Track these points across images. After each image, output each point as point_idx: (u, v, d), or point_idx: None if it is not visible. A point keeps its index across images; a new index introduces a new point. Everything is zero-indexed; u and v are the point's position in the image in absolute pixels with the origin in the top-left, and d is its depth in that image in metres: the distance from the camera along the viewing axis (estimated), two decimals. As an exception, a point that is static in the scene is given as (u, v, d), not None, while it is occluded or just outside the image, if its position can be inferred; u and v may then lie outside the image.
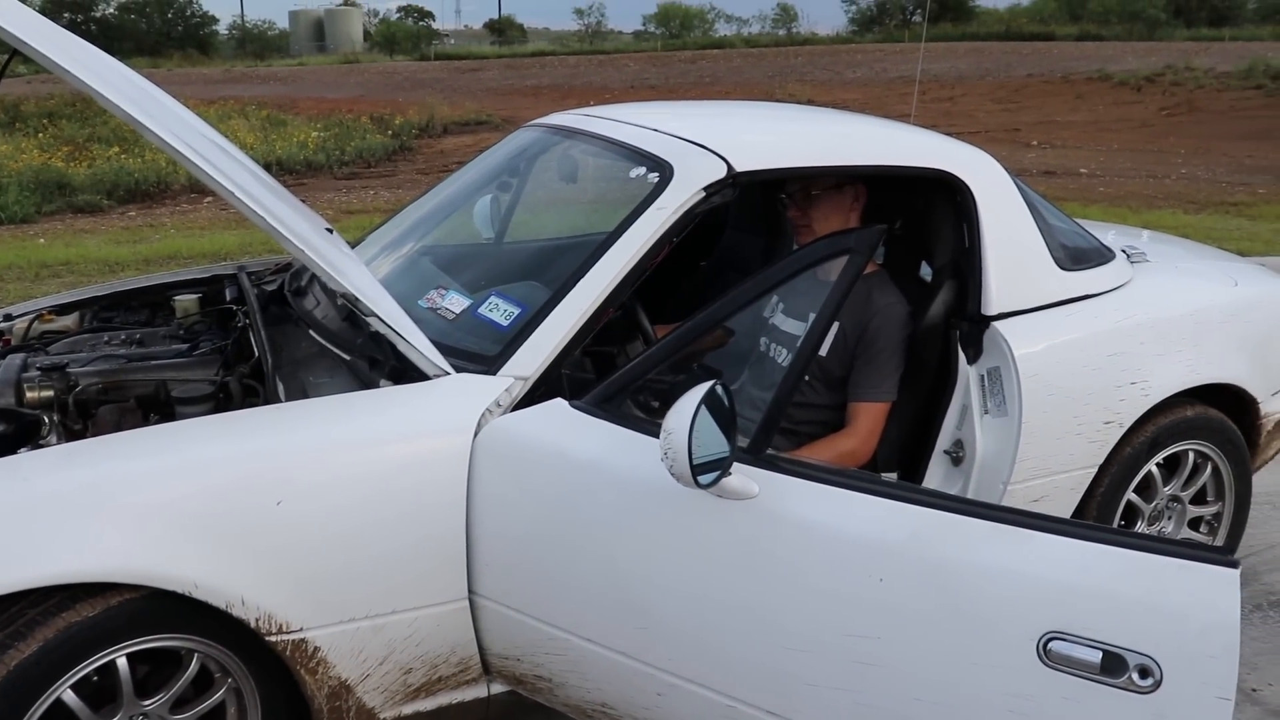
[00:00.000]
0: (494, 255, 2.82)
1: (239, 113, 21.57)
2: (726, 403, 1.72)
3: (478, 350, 2.24)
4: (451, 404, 2.12)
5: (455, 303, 2.43)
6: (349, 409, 2.11)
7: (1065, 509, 2.69)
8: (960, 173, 2.54)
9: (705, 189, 2.31)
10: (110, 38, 46.22)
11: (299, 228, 2.22)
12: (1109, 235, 3.35)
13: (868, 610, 1.69)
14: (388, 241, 2.97)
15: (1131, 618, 1.50)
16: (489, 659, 2.21)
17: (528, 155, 3.02)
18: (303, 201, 3.14)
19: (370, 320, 2.20)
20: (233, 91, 28.27)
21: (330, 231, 2.57)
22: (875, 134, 2.71)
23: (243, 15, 58.01)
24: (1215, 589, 1.46)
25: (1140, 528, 2.90)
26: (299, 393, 2.27)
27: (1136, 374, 2.67)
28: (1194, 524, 3.02)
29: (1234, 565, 1.48)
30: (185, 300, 2.90)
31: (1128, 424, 2.68)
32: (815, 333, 1.89)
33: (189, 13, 51.53)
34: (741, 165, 2.34)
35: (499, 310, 2.33)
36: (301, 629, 1.98)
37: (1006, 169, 2.72)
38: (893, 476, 2.64)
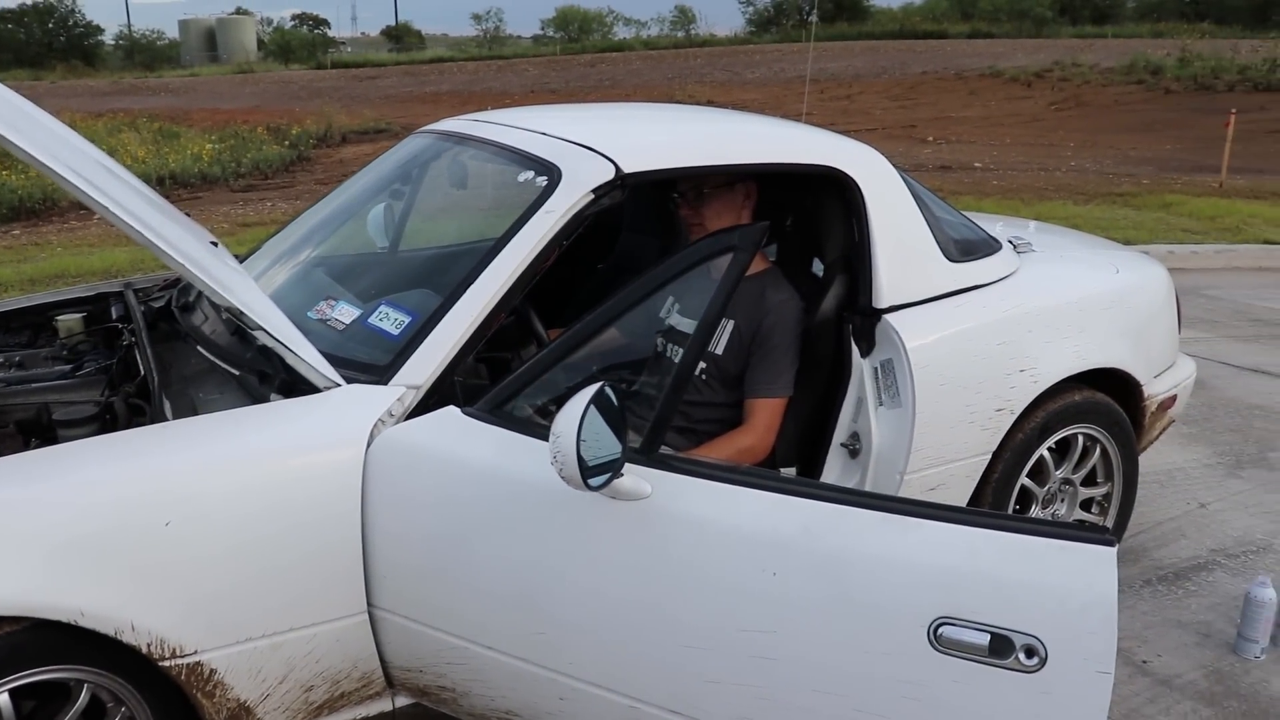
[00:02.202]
0: (386, 264, 2.77)
1: (129, 125, 20.95)
2: (616, 404, 1.71)
3: (369, 360, 2.20)
4: (342, 416, 2.08)
5: (345, 313, 2.38)
6: (237, 425, 2.06)
7: (961, 496, 2.74)
8: (848, 169, 2.57)
9: (594, 191, 2.30)
10: (-11, 49, 44.58)
11: (181, 242, 2.15)
12: (997, 227, 3.43)
13: (763, 604, 1.69)
14: (279, 253, 2.89)
15: (1016, 599, 1.52)
16: (392, 672, 2.17)
17: (419, 162, 2.98)
18: (189, 215, 3.06)
19: (257, 334, 2.15)
20: (122, 104, 27.49)
21: (216, 245, 2.50)
22: (764, 132, 2.72)
23: (129, 25, 56.29)
24: (1093, 567, 1.49)
25: (1035, 511, 2.97)
26: (188, 410, 2.21)
27: (1026, 361, 2.73)
28: (1085, 505, 3.10)
29: (1110, 543, 1.51)
30: (68, 320, 2.79)
31: (1019, 410, 2.74)
32: (702, 331, 1.89)
33: (71, 22, 49.80)
34: (629, 166, 2.33)
35: (389, 319, 2.29)
36: (196, 652, 1.93)
37: (894, 164, 2.76)
38: (791, 471, 2.66)
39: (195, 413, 2.17)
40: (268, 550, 1.95)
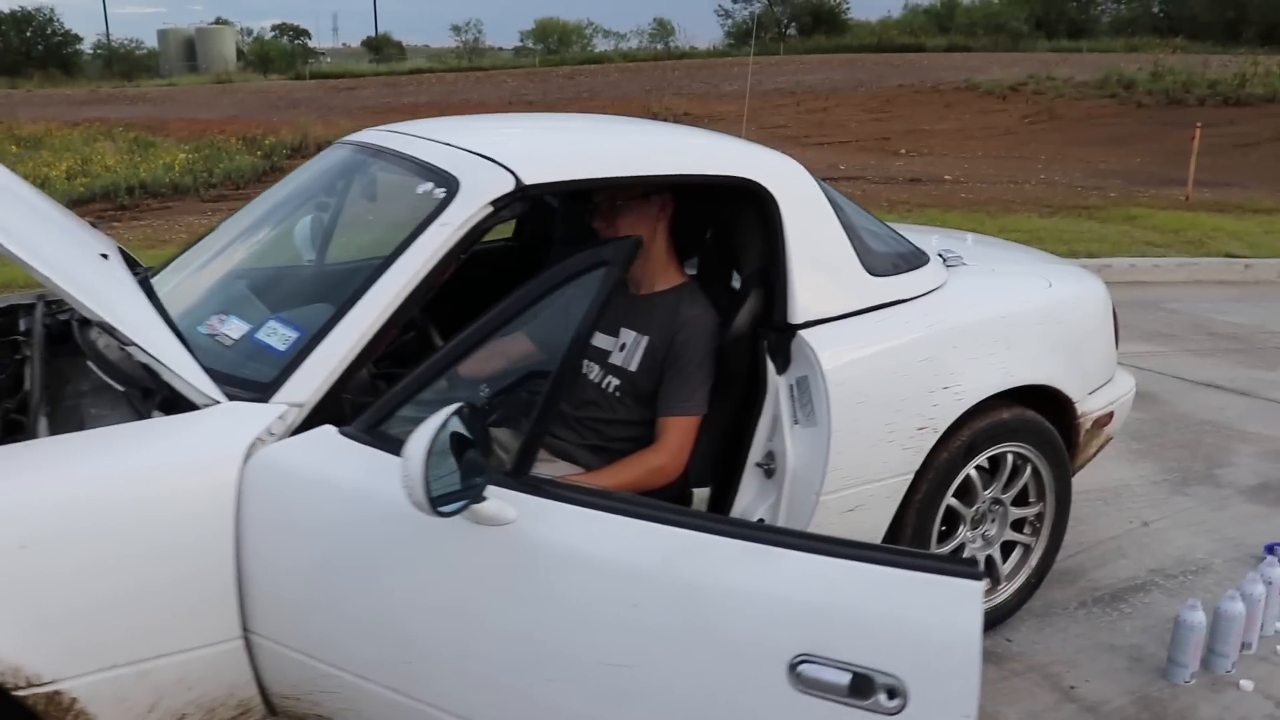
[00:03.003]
0: (294, 277, 2.67)
1: (105, 135, 20.76)
2: (477, 425, 1.62)
3: (253, 377, 2.11)
4: (217, 434, 1.99)
5: (234, 328, 2.28)
6: (108, 443, 1.97)
7: (882, 518, 2.66)
8: (763, 180, 2.50)
9: (492, 203, 2.21)
10: (-36, 59, 44.29)
11: (51, 252, 2.06)
12: (932, 239, 3.36)
13: (623, 636, 1.60)
14: (193, 265, 2.79)
15: (878, 637, 1.44)
16: (272, 699, 2.08)
17: (340, 174, 2.88)
18: (95, 226, 2.97)
19: (130, 350, 2.05)
20: (99, 113, 27.27)
21: (105, 257, 2.40)
22: (676, 143, 2.65)
23: (108, 34, 56.02)
24: (957, 603, 1.41)
25: (963, 532, 2.89)
26: (75, 426, 2.12)
27: (949, 378, 2.66)
28: (1017, 525, 3.03)
29: (976, 578, 1.43)
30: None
31: (942, 429, 2.66)
32: (571, 350, 1.80)
33: (49, 31, 49.53)
34: (530, 178, 2.25)
35: (277, 335, 2.20)
36: (54, 681, 1.83)
37: (812, 174, 2.69)
38: (705, 491, 2.57)
39: (82, 429, 2.07)
40: (132, 573, 1.86)
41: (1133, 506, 3.88)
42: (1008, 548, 3.03)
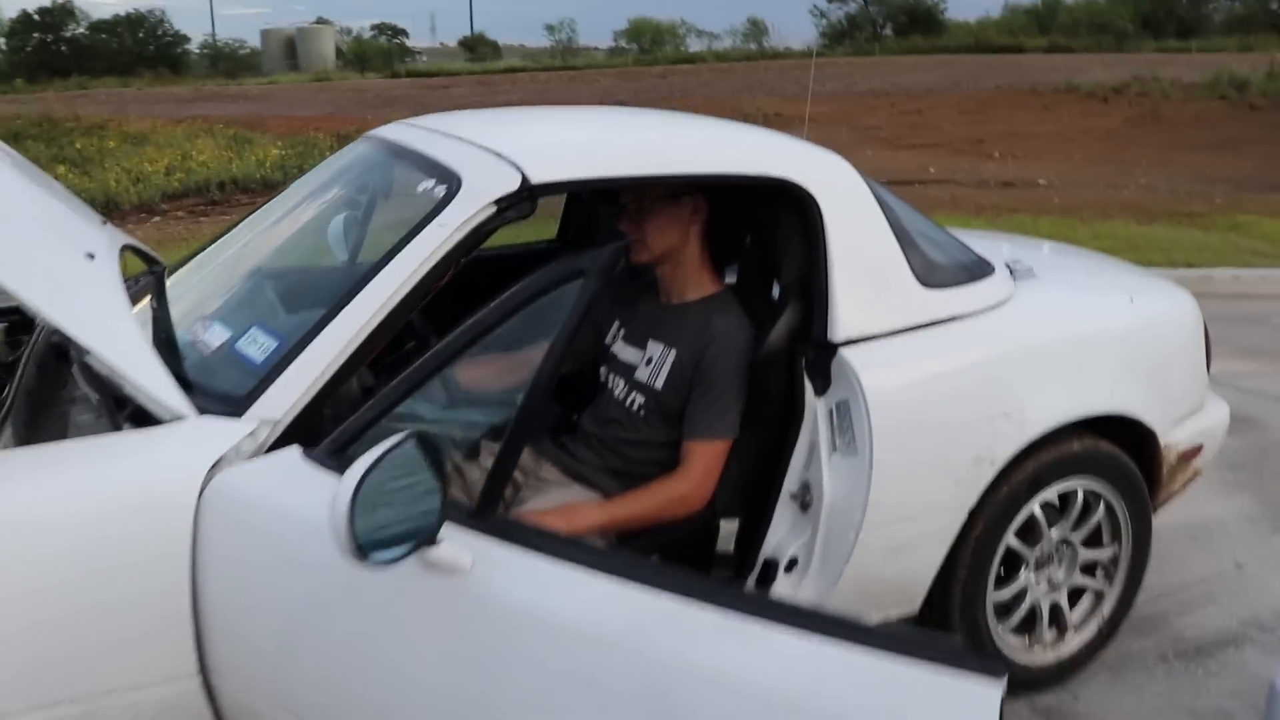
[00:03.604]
0: (287, 281, 2.48)
1: (206, 131, 21.17)
2: (432, 456, 1.41)
3: (228, 390, 1.94)
4: (178, 451, 1.82)
5: (216, 335, 2.12)
6: (58, 459, 1.82)
7: (932, 558, 2.39)
8: (802, 180, 2.25)
9: (496, 202, 2.01)
10: (82, 58, 45.84)
11: (14, 252, 1.92)
12: (1002, 248, 3.06)
13: (579, 711, 1.37)
14: (206, 265, 2.64)
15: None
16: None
17: (356, 170, 2.71)
18: (106, 221, 2.84)
19: (88, 359, 1.90)
20: (202, 110, 27.87)
21: (92, 258, 2.25)
22: (707, 140, 2.41)
23: (214, 34, 57.54)
24: (969, 709, 1.15)
25: (1025, 576, 2.59)
26: (59, 435, 1.99)
27: (1012, 405, 2.37)
28: (1088, 569, 2.72)
29: (999, 676, 1.17)
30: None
31: (1002, 462, 2.38)
32: (544, 369, 1.57)
33: (160, 32, 51.03)
34: (539, 176, 2.04)
35: (256, 344, 2.02)
36: None
37: (863, 175, 2.43)
38: (734, 524, 2.34)
39: (64, 438, 1.95)
40: (72, 600, 1.70)
41: (1225, 545, 3.52)
42: (1077, 593, 2.72)
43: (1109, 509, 2.65)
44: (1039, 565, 2.62)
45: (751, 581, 2.35)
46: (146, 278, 2.68)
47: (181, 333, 2.16)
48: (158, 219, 11.77)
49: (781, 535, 2.34)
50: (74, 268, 2.09)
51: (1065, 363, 2.49)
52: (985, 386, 2.35)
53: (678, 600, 1.33)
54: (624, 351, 2.52)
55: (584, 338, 2.67)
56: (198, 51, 53.61)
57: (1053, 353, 2.49)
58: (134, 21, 50.92)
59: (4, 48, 49.30)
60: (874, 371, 2.23)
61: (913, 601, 2.44)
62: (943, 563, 2.41)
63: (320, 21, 56.65)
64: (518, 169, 2.04)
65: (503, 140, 2.18)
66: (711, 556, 2.35)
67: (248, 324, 2.08)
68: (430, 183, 2.14)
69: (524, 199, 2.03)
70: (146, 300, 2.44)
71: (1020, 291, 2.61)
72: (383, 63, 46.37)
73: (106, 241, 2.46)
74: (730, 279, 2.58)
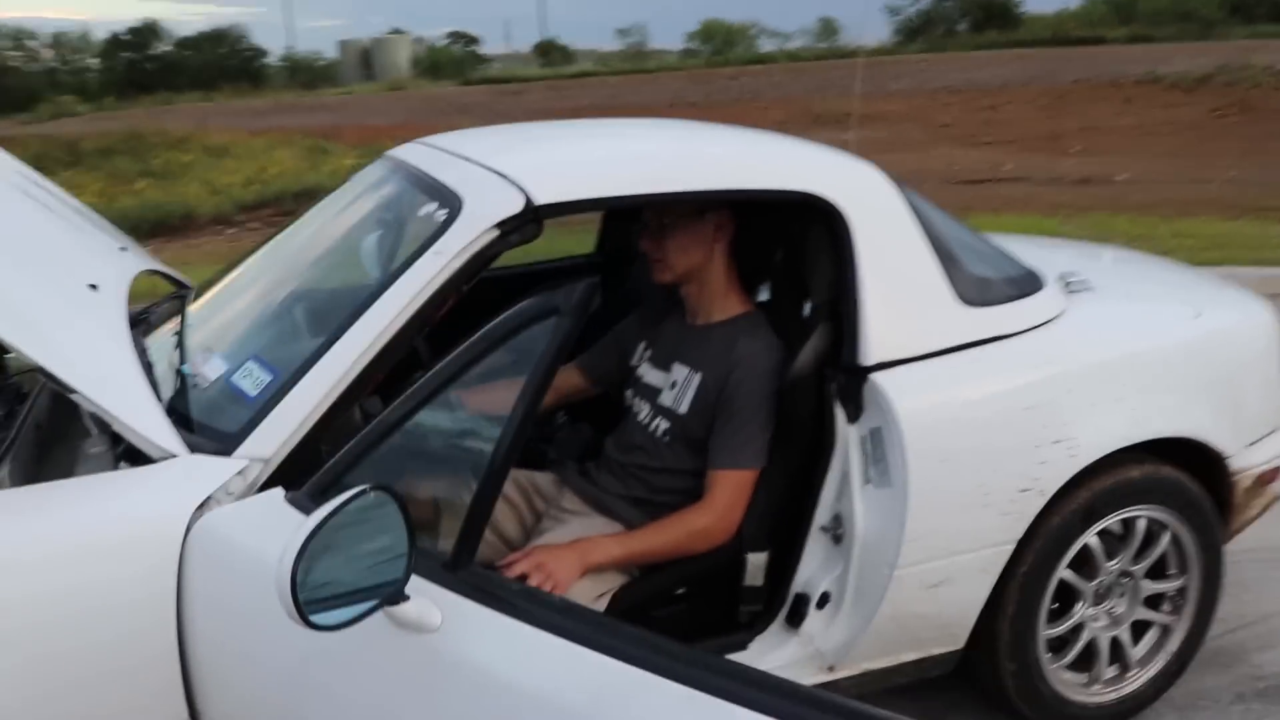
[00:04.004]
0: (289, 309, 2.40)
1: (284, 142, 21.54)
2: (392, 510, 1.31)
3: (220, 426, 1.87)
4: (165, 491, 1.76)
5: (214, 368, 2.04)
6: (44, 500, 1.77)
7: (975, 593, 2.23)
8: (829, 194, 2.11)
9: (499, 225, 1.91)
10: (167, 74, 47.15)
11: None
12: (1060, 257, 2.88)
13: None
14: (223, 291, 2.57)
15: None
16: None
17: (372, 193, 2.63)
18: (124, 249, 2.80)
19: (74, 396, 1.84)
20: (281, 121, 28.37)
21: (95, 288, 2.20)
22: (724, 153, 2.29)
23: (292, 47, 58.86)
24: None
25: (1081, 610, 2.42)
26: (65, 471, 1.94)
27: (1061, 430, 2.20)
28: (1153, 601, 2.52)
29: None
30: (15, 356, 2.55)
31: (1051, 491, 2.21)
32: (518, 414, 1.47)
33: (240, 46, 52.31)
34: (544, 197, 1.93)
35: (251, 378, 1.94)
36: None
37: (900, 185, 2.28)
38: (762, 557, 2.20)
39: (70, 473, 1.90)
40: (62, 639, 1.65)
41: (1312, 571, 3.28)
42: (1141, 627, 2.53)
43: (1175, 538, 2.46)
44: (1098, 598, 2.44)
45: (782, 617, 2.22)
46: (170, 303, 2.63)
47: (186, 365, 2.10)
48: (233, 230, 11.97)
49: (813, 569, 2.21)
50: (66, 301, 2.04)
51: (1121, 383, 2.31)
52: (1031, 411, 2.18)
53: (642, 669, 1.21)
54: (649, 374, 2.41)
55: (610, 359, 2.57)
56: (277, 64, 54.79)
57: (1107, 372, 2.31)
58: (215, 38, 52.27)
59: (97, 67, 50.93)
60: (908, 397, 2.09)
61: (956, 638, 2.28)
62: (989, 597, 2.25)
63: (395, 32, 57.45)
64: (521, 190, 1.94)
65: (510, 160, 2.08)
66: (739, 590, 2.21)
67: (245, 357, 2.00)
68: (432, 206, 2.05)
69: (528, 221, 1.93)
70: (167, 327, 2.40)
71: (1073, 307, 2.43)
72: (455, 70, 46.91)
73: (117, 271, 2.41)
74: (764, 297, 2.45)
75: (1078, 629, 2.43)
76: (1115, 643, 2.48)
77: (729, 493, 2.17)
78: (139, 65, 48.83)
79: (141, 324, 2.49)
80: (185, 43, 51.92)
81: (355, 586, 1.31)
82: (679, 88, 34.76)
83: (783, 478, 2.20)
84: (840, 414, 2.15)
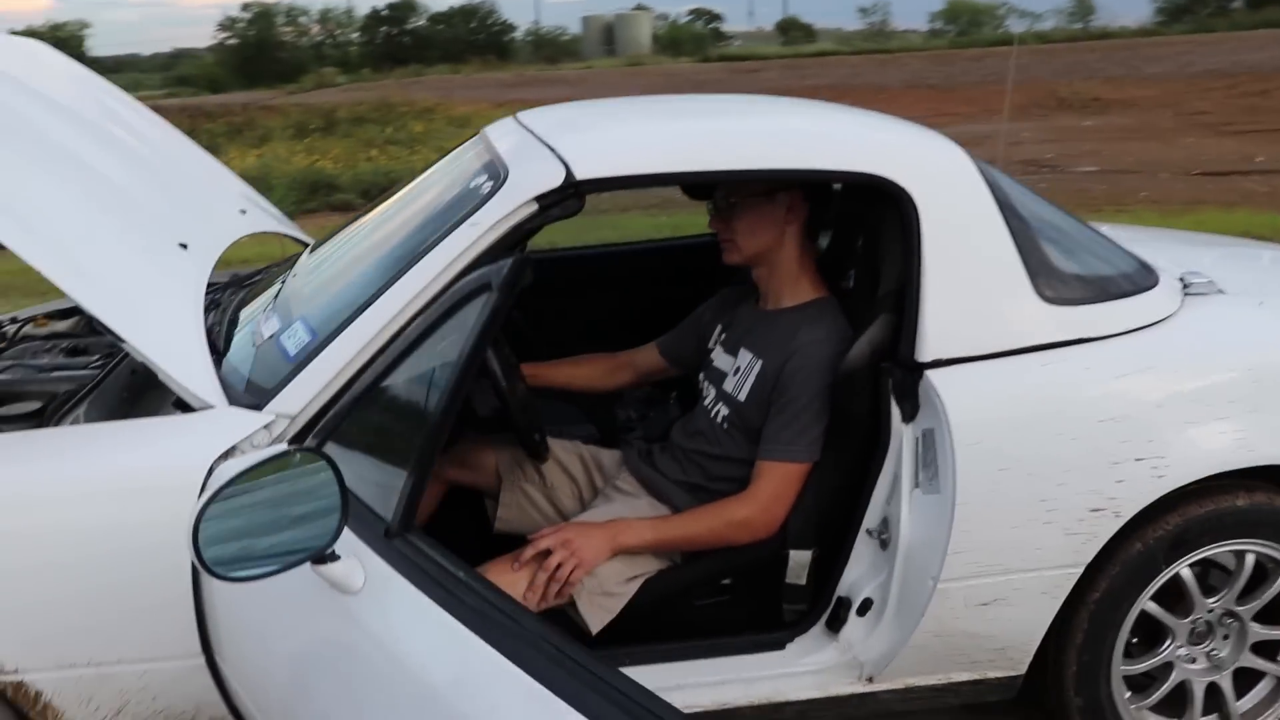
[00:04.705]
0: (350, 275, 2.47)
1: (523, 114, 22.32)
2: (323, 471, 1.33)
3: (260, 382, 1.95)
4: (197, 439, 1.86)
5: (270, 326, 2.13)
6: (90, 441, 1.91)
7: (1036, 617, 2.06)
8: (898, 176, 1.98)
9: (538, 199, 1.91)
10: (421, 47, 49.71)
11: (74, 240, 2.00)
12: (1209, 254, 2.61)
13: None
14: (324, 253, 2.66)
15: None
16: (246, 720, 1.92)
17: (458, 167, 2.66)
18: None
19: (124, 346, 1.96)
20: (522, 95, 29.37)
21: (185, 247, 2.33)
22: (788, 130, 2.18)
23: (538, 22, 60.78)
24: None
25: (1170, 648, 2.18)
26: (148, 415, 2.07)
27: (1146, 447, 1.99)
28: (1266, 649, 2.24)
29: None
30: None
31: (1130, 513, 2.00)
32: (448, 388, 1.44)
33: (490, 21, 54.49)
34: (585, 171, 1.91)
35: (294, 337, 2.01)
36: (17, 671, 1.80)
37: (986, 167, 2.12)
38: (806, 555, 2.10)
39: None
40: (87, 575, 1.79)
41: None
42: (1251, 676, 2.26)
43: (1293, 579, 2.18)
44: (1194, 638, 2.20)
45: (823, 620, 2.12)
46: (281, 265, 2.76)
47: (250, 325, 2.20)
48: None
49: (859, 574, 2.10)
50: (146, 256, 2.16)
51: (1231, 399, 2.06)
52: (1110, 423, 1.97)
53: (503, 657, 1.16)
54: (720, 359, 2.34)
55: (688, 341, 2.51)
56: (522, 39, 56.72)
57: (1214, 386, 2.07)
58: (467, 13, 54.66)
59: (358, 41, 54.24)
60: (962, 398, 1.94)
61: (1015, 664, 2.11)
62: (1054, 623, 2.07)
63: (640, 8, 58.32)
64: (564, 164, 1.92)
65: (569, 135, 2.07)
66: (782, 588, 2.13)
67: (296, 317, 2.08)
68: (483, 178, 2.06)
69: (569, 196, 1.92)
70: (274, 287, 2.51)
71: (1187, 309, 2.19)
72: (695, 47, 47.17)
73: (221, 231, 2.54)
74: (849, 284, 2.34)
75: (1167, 668, 2.20)
76: (1214, 689, 2.23)
77: (775, 485, 2.09)
78: (395, 39, 51.67)
79: (253, 284, 2.63)
80: (438, 17, 54.56)
81: (288, 544, 1.34)
82: (919, 68, 33.71)
83: (834, 474, 2.09)
84: (896, 412, 2.02)
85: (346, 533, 1.46)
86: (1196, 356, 2.10)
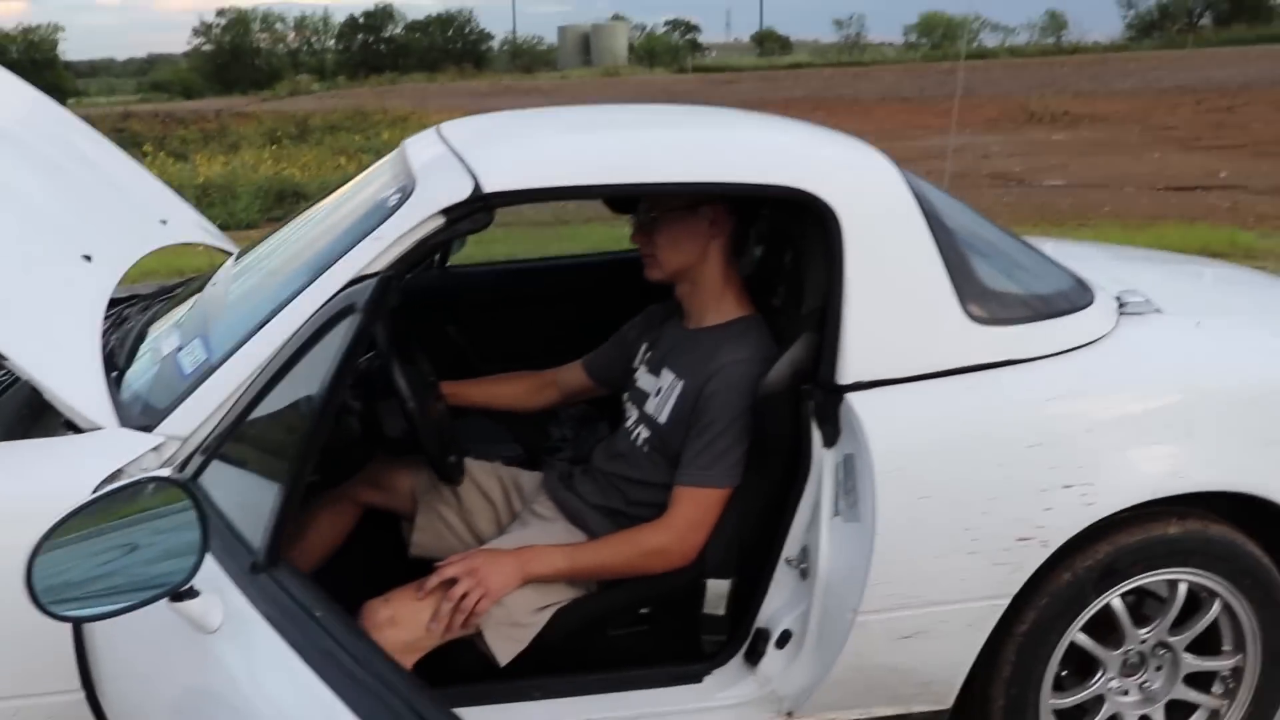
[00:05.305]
0: (257, 290, 2.36)
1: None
2: (186, 499, 1.24)
3: (154, 402, 1.86)
4: (82, 461, 1.76)
5: (169, 343, 2.04)
6: None
7: (960, 651, 1.98)
8: (819, 190, 1.91)
9: (445, 212, 1.83)
10: (397, 55, 49.56)
11: None
12: (1149, 272, 2.55)
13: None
14: (237, 268, 2.55)
15: None
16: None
17: (377, 179, 2.57)
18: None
19: (6, 363, 1.86)
20: (497, 103, 29.23)
21: (89, 259, 2.23)
22: (708, 141, 2.10)
23: (514, 31, 60.76)
24: None
25: (1101, 681, 2.12)
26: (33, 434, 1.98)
27: (1075, 474, 1.92)
28: (1198, 680, 2.18)
29: None
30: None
31: (1057, 543, 1.93)
32: (316, 412, 1.35)
33: (467, 30, 54.37)
34: (493, 184, 1.83)
35: (192, 355, 1.92)
36: None
37: (917, 180, 2.05)
38: (725, 585, 2.02)
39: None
40: None
41: None
42: (1182, 709, 2.20)
43: (1227, 609, 2.12)
44: (1127, 669, 2.13)
45: (742, 653, 2.04)
46: (201, 278, 2.66)
47: (148, 340, 2.11)
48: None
49: (778, 605, 2.02)
50: (43, 270, 2.06)
51: (1165, 423, 2.00)
52: (1038, 449, 1.91)
53: (331, 693, 1.08)
54: (643, 379, 2.26)
55: (614, 359, 2.43)
56: (499, 48, 56.66)
57: (1146, 410, 2.00)
58: (444, 21, 54.57)
59: (334, 48, 54.04)
60: (883, 422, 1.86)
61: (940, 698, 2.04)
62: (980, 656, 2.00)
63: (616, 18, 58.36)
64: (472, 176, 1.84)
65: (482, 147, 1.99)
66: (699, 618, 2.04)
67: (196, 334, 1.98)
68: (392, 190, 1.97)
69: (477, 209, 1.84)
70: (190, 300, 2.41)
71: (1122, 329, 2.12)
72: (671, 58, 47.23)
73: (131, 242, 2.44)
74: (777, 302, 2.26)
75: (1099, 701, 2.13)
76: (1147, 721, 2.17)
77: (691, 511, 2.00)
78: (372, 47, 51.53)
79: (171, 297, 2.53)
80: (415, 25, 54.41)
81: (142, 579, 1.25)
82: (893, 81, 33.86)
83: (755, 501, 2.01)
84: (817, 436, 1.94)
85: (214, 566, 1.38)
86: (1129, 379, 2.04)
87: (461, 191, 1.83)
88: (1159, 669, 2.15)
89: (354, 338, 1.37)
